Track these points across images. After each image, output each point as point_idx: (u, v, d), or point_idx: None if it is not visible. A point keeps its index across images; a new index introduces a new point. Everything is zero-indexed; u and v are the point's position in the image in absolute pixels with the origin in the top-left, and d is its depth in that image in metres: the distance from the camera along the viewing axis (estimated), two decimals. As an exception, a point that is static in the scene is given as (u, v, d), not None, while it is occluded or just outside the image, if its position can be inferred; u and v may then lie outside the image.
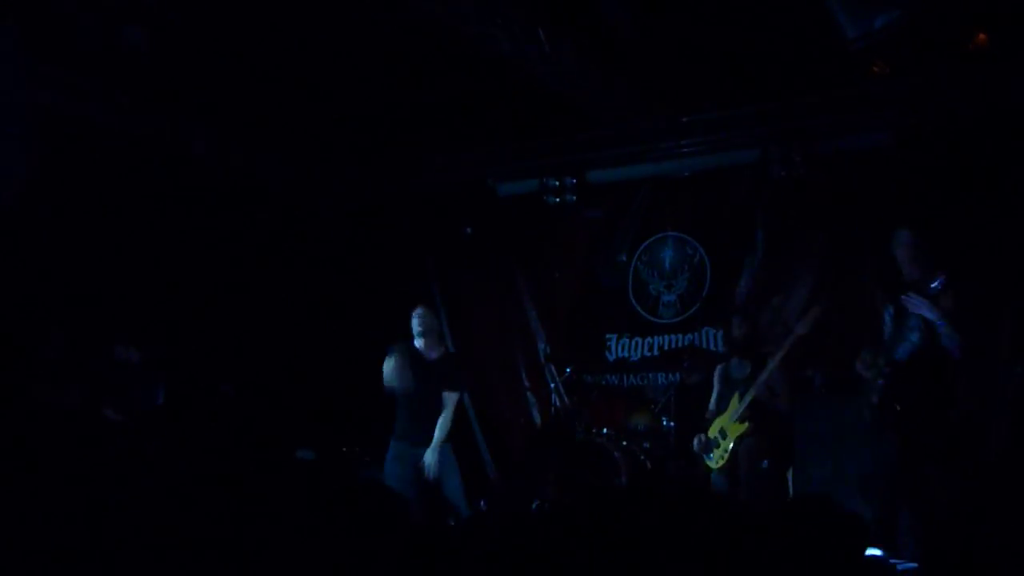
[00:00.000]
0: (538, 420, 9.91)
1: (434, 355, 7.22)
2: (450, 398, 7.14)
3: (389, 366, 7.01)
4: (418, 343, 7.19)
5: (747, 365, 7.68)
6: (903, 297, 6.28)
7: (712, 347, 9.33)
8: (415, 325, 7.19)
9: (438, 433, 6.99)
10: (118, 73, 8.20)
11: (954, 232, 8.30)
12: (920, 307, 6.15)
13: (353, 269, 10.56)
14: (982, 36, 7.24)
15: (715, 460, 7.62)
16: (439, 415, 7.08)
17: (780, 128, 8.79)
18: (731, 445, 7.50)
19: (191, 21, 7.42)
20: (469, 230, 10.26)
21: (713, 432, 7.71)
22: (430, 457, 6.94)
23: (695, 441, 7.84)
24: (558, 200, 9.87)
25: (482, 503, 9.14)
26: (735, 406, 7.54)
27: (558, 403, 9.56)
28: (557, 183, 9.83)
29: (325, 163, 10.48)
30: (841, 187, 8.85)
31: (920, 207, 8.46)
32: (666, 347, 9.64)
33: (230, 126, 9.47)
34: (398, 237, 10.72)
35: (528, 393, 10.05)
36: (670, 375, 9.38)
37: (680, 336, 9.58)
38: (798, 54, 7.68)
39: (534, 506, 8.95)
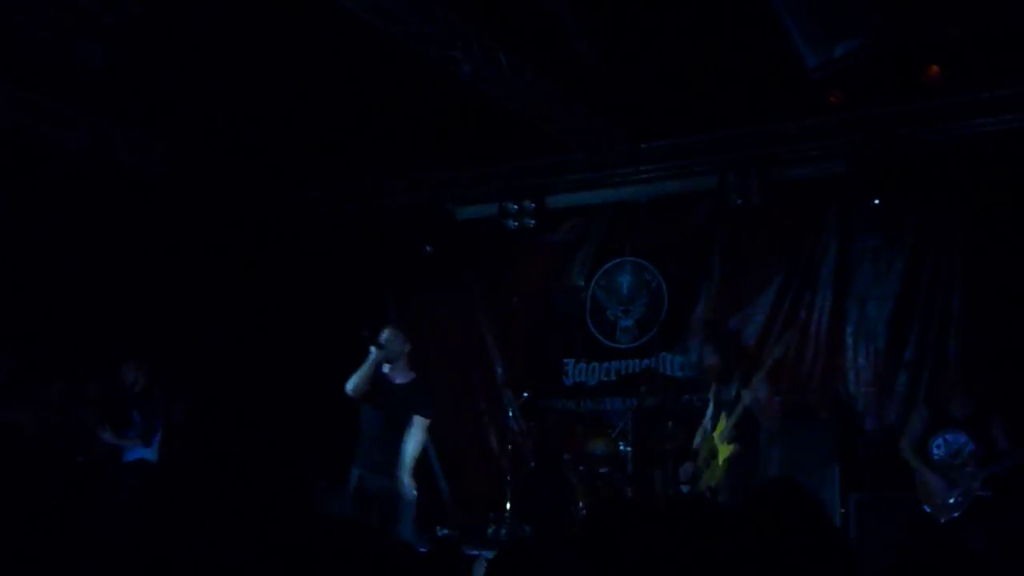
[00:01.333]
0: (495, 445, 9.86)
1: (400, 380, 6.92)
2: (420, 423, 6.79)
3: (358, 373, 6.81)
4: (385, 368, 6.89)
5: (732, 388, 7.62)
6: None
7: (669, 372, 9.35)
8: (380, 351, 6.81)
9: (409, 456, 6.68)
10: (65, 89, 8.11)
11: (907, 261, 8.45)
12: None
13: (310, 291, 10.46)
14: (934, 68, 7.37)
15: (708, 479, 7.54)
16: (401, 442, 6.72)
17: (738, 155, 8.87)
18: (721, 463, 7.46)
19: (149, 39, 7.34)
20: (429, 248, 10.20)
21: (704, 453, 7.65)
22: (406, 479, 6.70)
23: (680, 472, 7.76)
24: (517, 224, 9.87)
25: (438, 530, 9.07)
26: (722, 427, 7.50)
27: (515, 428, 9.52)
28: (516, 207, 9.83)
29: (284, 185, 10.40)
30: (798, 214, 8.94)
31: (873, 236, 8.61)
32: (623, 372, 9.65)
33: (187, 144, 9.38)
34: (356, 260, 10.65)
35: (485, 417, 10.00)
36: (627, 400, 9.38)
37: (637, 361, 9.59)
38: (757, 82, 7.76)
39: (490, 532, 8.90)
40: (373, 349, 6.76)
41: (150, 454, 8.30)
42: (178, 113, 8.63)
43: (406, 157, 9.71)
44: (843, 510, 7.46)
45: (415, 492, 6.67)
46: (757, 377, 7.29)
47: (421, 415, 6.81)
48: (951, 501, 6.78)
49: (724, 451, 7.44)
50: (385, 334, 6.89)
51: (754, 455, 7.39)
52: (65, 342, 8.66)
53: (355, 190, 10.48)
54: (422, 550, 6.87)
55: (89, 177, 8.87)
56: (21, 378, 8.22)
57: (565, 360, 9.93)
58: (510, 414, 9.45)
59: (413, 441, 6.75)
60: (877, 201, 8.40)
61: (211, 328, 9.79)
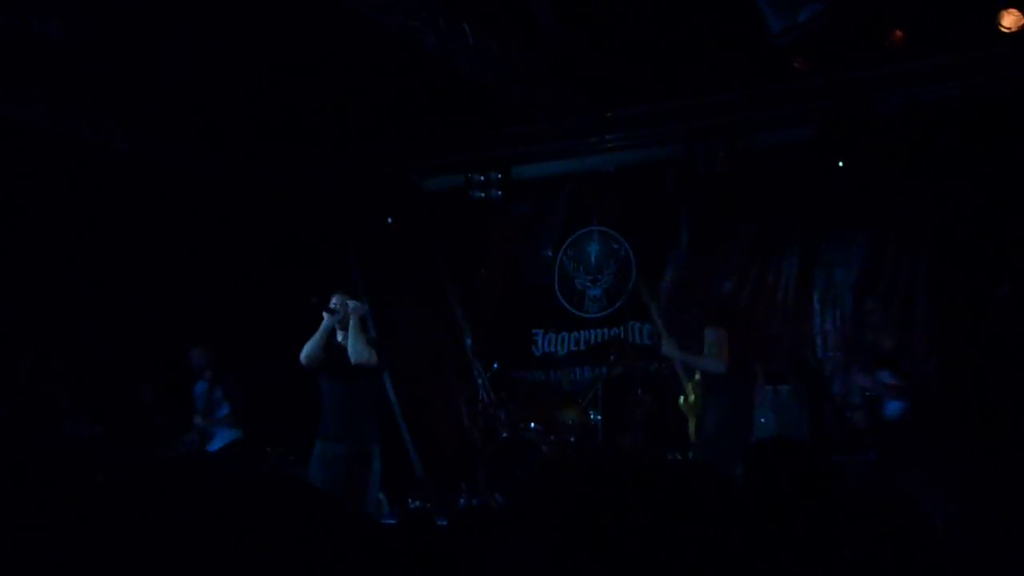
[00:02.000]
0: (465, 416, 9.85)
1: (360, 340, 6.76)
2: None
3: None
4: (339, 336, 6.78)
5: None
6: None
7: (638, 341, 9.38)
8: (331, 316, 6.70)
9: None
10: (35, 70, 7.97)
11: (872, 226, 8.50)
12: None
13: (275, 261, 10.38)
14: (898, 33, 7.38)
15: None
16: (363, 413, 6.69)
17: (704, 123, 8.87)
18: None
19: (107, 14, 7.21)
20: (390, 220, 10.14)
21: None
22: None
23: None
24: (483, 195, 9.83)
25: (410, 502, 9.08)
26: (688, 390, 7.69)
27: (485, 398, 9.52)
28: (482, 178, 9.79)
29: (248, 155, 10.28)
30: (764, 181, 8.96)
31: (841, 200, 8.64)
32: (592, 341, 9.68)
33: (150, 115, 9.25)
34: (321, 232, 10.57)
35: (455, 389, 9.99)
36: (596, 369, 9.40)
37: (606, 330, 9.63)
38: (722, 49, 7.74)
39: (461, 503, 8.91)
40: (325, 315, 6.71)
41: (237, 435, 8.53)
42: (135, 85, 8.49)
43: (371, 129, 9.63)
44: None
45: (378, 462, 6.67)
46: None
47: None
48: None
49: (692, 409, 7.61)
50: (335, 299, 6.82)
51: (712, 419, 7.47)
52: (32, 318, 8.57)
53: (320, 162, 10.39)
54: (390, 522, 6.86)
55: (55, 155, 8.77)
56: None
57: (534, 331, 9.94)
58: (480, 385, 9.44)
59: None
60: (841, 164, 8.41)
61: (172, 303, 9.71)
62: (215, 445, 8.54)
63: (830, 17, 6.48)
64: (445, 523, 5.65)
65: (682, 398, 7.94)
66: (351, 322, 6.72)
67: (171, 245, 9.72)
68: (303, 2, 7.05)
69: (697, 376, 7.65)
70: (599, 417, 8.71)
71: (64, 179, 8.86)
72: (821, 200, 8.71)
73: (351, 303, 6.84)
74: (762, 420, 7.64)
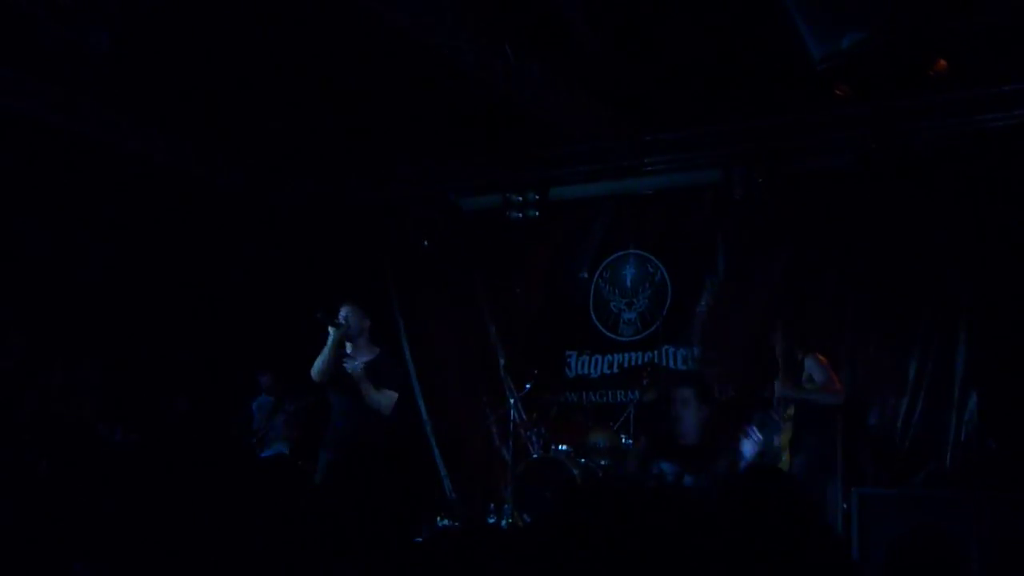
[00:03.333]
0: (496, 436, 9.85)
1: (363, 358, 6.81)
2: (386, 396, 6.71)
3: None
4: (348, 349, 6.77)
5: None
6: None
7: (672, 365, 9.33)
8: (337, 330, 6.69)
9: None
10: (77, 78, 8.09)
11: (912, 255, 8.42)
12: None
13: (313, 280, 10.45)
14: (942, 63, 7.33)
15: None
16: (366, 425, 6.63)
17: (743, 148, 8.84)
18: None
19: (156, 26, 7.31)
20: (426, 242, 10.18)
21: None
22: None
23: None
24: (521, 216, 9.84)
25: (439, 521, 9.07)
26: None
27: (516, 419, 9.51)
28: (520, 199, 9.80)
29: (287, 174, 10.38)
30: (803, 208, 8.90)
31: (878, 230, 8.57)
32: (626, 365, 9.63)
33: (192, 133, 9.37)
34: (358, 250, 10.63)
35: (487, 409, 9.97)
36: (629, 393, 9.35)
37: (640, 354, 9.57)
38: (763, 74, 7.72)
39: (490, 523, 8.88)
40: (331, 330, 6.68)
41: (284, 448, 8.90)
42: (182, 101, 8.60)
43: (410, 148, 9.68)
44: (845, 505, 7.43)
45: None
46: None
47: (386, 387, 6.70)
48: None
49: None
50: (343, 311, 6.79)
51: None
52: (66, 328, 8.67)
53: (358, 182, 10.46)
54: (417, 539, 6.83)
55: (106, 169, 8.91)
56: (25, 364, 8.26)
57: (568, 352, 9.91)
58: (512, 405, 9.44)
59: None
60: (883, 195, 8.34)
61: (212, 320, 9.80)
62: (266, 453, 8.73)
63: (873, 45, 6.44)
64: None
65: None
66: (358, 375, 6.65)
67: (209, 259, 9.83)
68: (344, 22, 7.10)
69: (790, 411, 7.43)
70: (630, 441, 8.66)
71: (108, 189, 8.98)
72: (860, 227, 8.64)
73: (350, 317, 6.76)
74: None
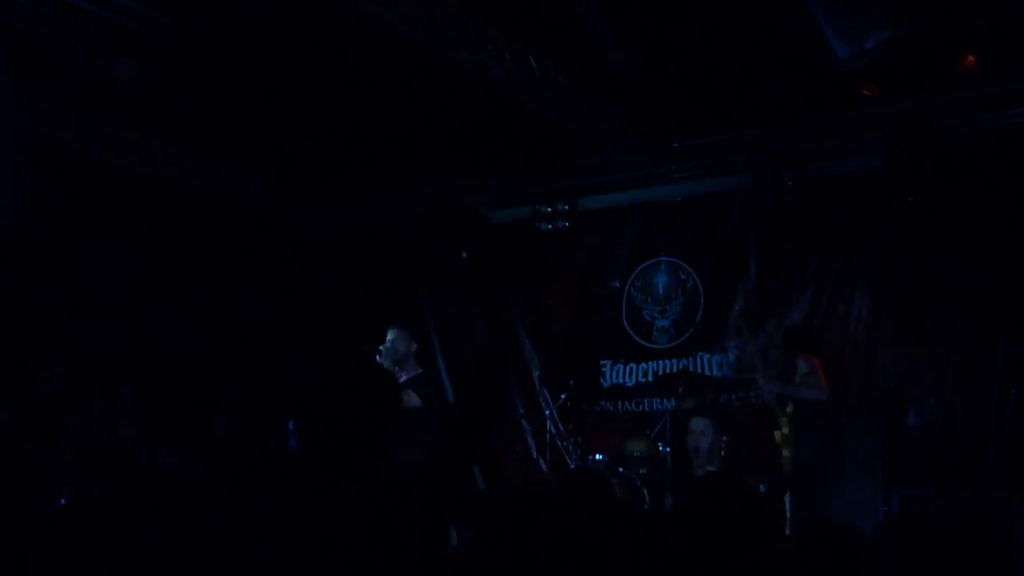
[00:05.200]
0: (533, 447, 9.85)
1: (404, 378, 6.86)
2: (413, 399, 6.70)
3: None
4: (397, 373, 6.84)
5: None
6: None
7: (707, 372, 9.29)
8: (386, 353, 6.77)
9: None
10: (106, 104, 8.22)
11: (946, 254, 8.34)
12: None
13: (345, 297, 10.52)
14: (971, 59, 7.28)
15: None
16: (413, 446, 6.62)
17: (772, 152, 8.81)
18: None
19: (184, 49, 7.42)
20: (465, 254, 10.22)
21: None
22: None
23: None
24: (551, 227, 9.87)
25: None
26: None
27: (552, 430, 9.51)
28: (549, 210, 9.84)
29: (317, 190, 10.47)
30: (833, 211, 8.86)
31: (912, 230, 8.51)
32: (660, 373, 9.59)
33: (223, 151, 9.47)
34: (390, 265, 10.68)
35: (523, 421, 9.99)
36: (665, 401, 9.33)
37: (674, 361, 9.53)
38: (789, 78, 7.71)
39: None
40: (377, 357, 6.74)
41: None
42: (210, 120, 8.71)
43: (438, 163, 9.74)
44: (886, 508, 7.38)
45: None
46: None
47: (423, 404, 6.73)
48: None
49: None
50: (390, 335, 6.83)
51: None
52: (104, 353, 8.78)
53: (389, 197, 10.52)
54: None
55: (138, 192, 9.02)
56: (67, 388, 8.36)
57: (602, 361, 9.89)
58: (548, 416, 9.43)
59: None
60: (911, 199, 8.29)
61: (246, 336, 9.88)
62: None
63: (898, 44, 6.41)
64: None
65: (777, 432, 7.78)
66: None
67: (242, 280, 9.91)
68: (371, 41, 7.17)
69: (789, 408, 7.49)
70: (668, 449, 8.63)
71: (143, 215, 9.09)
72: (892, 228, 8.58)
73: (397, 341, 6.80)
74: (834, 454, 7.52)
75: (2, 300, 7.55)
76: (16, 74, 3.52)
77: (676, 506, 3.06)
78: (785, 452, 7.64)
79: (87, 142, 8.59)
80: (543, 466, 9.30)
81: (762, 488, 7.50)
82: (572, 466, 8.87)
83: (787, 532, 7.16)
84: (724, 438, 7.87)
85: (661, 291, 9.79)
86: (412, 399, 6.64)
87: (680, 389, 9.06)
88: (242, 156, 9.53)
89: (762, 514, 2.96)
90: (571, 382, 9.30)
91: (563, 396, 9.36)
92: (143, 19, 6.97)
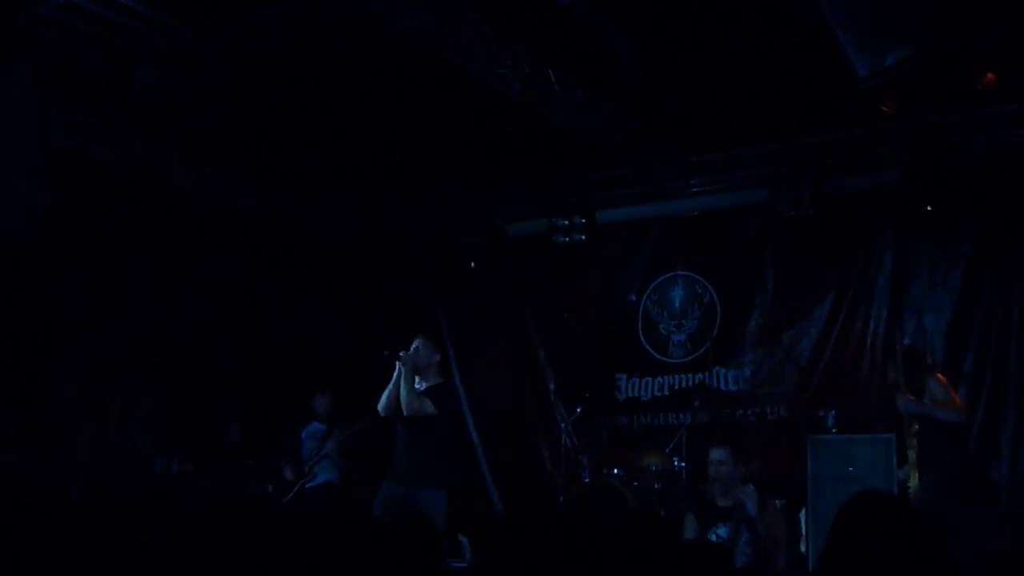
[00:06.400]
0: (548, 460, 9.83)
1: (421, 387, 6.82)
2: (425, 404, 6.67)
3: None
4: (417, 383, 6.79)
5: None
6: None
7: (723, 387, 9.27)
8: (401, 364, 6.73)
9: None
10: (126, 113, 8.27)
11: (966, 268, 8.33)
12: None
13: (362, 308, 10.55)
14: (991, 76, 7.27)
15: None
16: (425, 457, 6.65)
17: (790, 167, 8.81)
18: None
19: (203, 62, 7.46)
20: (473, 264, 10.22)
21: None
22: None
23: None
24: (567, 240, 9.87)
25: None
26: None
27: (567, 443, 9.48)
28: (566, 223, 9.84)
29: (336, 203, 10.50)
30: (851, 225, 8.84)
31: (931, 245, 8.49)
32: (676, 387, 9.58)
33: (241, 165, 9.52)
34: (407, 277, 10.71)
35: (537, 433, 9.97)
36: (681, 415, 9.30)
37: (691, 376, 9.52)
38: (808, 93, 7.70)
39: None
40: (398, 364, 6.75)
41: (334, 476, 8.86)
42: (229, 134, 8.75)
43: (457, 175, 9.76)
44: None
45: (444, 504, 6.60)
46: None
47: (437, 412, 6.71)
48: None
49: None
50: (415, 343, 6.84)
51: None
52: (122, 361, 8.82)
53: (408, 208, 10.55)
54: (456, 565, 6.80)
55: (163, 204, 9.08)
56: (86, 396, 8.40)
57: (618, 375, 9.88)
58: (563, 429, 9.42)
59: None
60: (930, 208, 8.26)
61: (262, 347, 9.92)
62: (314, 483, 8.73)
63: (918, 62, 6.40)
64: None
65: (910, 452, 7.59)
66: (403, 373, 6.72)
67: (259, 289, 9.96)
68: (392, 52, 7.20)
69: (915, 427, 7.33)
70: (683, 464, 8.60)
71: (158, 224, 9.14)
72: (909, 244, 8.56)
73: (420, 350, 6.83)
74: (850, 469, 7.47)
75: (23, 303, 7.60)
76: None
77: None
78: (913, 475, 7.35)
79: (108, 150, 8.64)
80: (558, 479, 9.28)
81: (780, 504, 7.45)
82: (587, 479, 8.84)
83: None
84: (753, 462, 7.74)
85: (678, 305, 9.77)
86: (427, 406, 6.66)
87: (696, 403, 9.04)
88: (264, 167, 9.57)
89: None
90: (587, 395, 9.28)
91: (578, 409, 9.33)
92: (162, 27, 7.01)
